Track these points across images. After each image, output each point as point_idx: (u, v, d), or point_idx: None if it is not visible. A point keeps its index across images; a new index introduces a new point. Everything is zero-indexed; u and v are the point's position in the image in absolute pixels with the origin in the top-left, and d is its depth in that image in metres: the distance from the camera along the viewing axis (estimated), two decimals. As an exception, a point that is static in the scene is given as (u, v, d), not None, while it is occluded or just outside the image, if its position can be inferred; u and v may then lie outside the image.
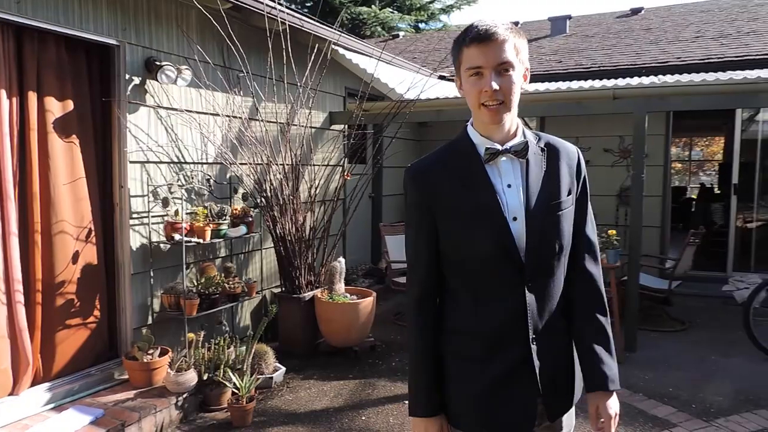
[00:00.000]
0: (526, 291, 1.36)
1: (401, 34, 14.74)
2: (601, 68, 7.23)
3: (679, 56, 6.91)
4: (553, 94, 5.48)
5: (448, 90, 6.26)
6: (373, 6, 16.87)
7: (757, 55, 6.32)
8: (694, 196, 12.11)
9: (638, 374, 4.28)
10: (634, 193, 4.91)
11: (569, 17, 10.18)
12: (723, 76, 5.35)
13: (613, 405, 1.44)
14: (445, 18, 18.65)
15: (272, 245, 4.82)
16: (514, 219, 1.36)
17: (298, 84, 4.80)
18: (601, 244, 4.89)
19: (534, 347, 1.37)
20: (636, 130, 4.83)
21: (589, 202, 1.50)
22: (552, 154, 1.44)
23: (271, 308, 4.01)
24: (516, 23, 11.20)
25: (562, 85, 5.99)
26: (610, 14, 10.90)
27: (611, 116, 6.41)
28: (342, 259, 4.80)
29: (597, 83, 5.92)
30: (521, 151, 1.39)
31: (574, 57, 8.00)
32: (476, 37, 1.30)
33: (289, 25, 4.49)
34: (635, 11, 10.53)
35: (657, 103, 5.10)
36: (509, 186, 1.38)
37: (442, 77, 7.74)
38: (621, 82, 5.63)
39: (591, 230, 1.49)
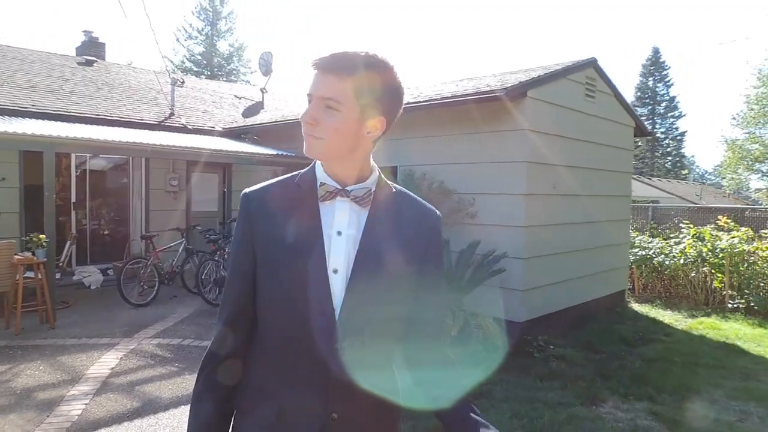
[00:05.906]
0: (336, 354, 1.19)
1: None
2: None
3: (34, 105, 8.91)
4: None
5: None
6: None
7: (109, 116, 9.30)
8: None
9: (73, 331, 6.55)
10: (46, 211, 6.93)
11: None
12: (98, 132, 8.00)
13: None
14: None
15: None
16: (335, 271, 1.21)
17: None
18: (32, 245, 6.71)
19: (333, 422, 1.20)
20: (46, 167, 6.87)
21: (440, 277, 1.36)
22: (402, 211, 1.30)
23: None
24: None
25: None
26: None
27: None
28: None
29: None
30: (363, 198, 1.25)
31: None
32: (317, 62, 1.19)
33: None
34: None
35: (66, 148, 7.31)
36: (339, 233, 1.23)
37: None
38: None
39: (434, 308, 1.34)
